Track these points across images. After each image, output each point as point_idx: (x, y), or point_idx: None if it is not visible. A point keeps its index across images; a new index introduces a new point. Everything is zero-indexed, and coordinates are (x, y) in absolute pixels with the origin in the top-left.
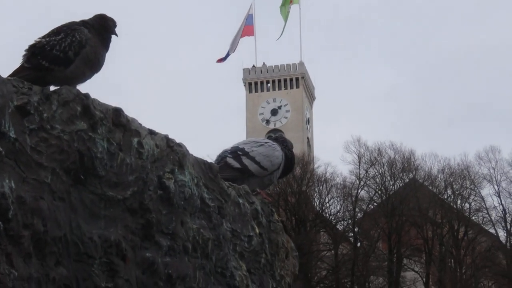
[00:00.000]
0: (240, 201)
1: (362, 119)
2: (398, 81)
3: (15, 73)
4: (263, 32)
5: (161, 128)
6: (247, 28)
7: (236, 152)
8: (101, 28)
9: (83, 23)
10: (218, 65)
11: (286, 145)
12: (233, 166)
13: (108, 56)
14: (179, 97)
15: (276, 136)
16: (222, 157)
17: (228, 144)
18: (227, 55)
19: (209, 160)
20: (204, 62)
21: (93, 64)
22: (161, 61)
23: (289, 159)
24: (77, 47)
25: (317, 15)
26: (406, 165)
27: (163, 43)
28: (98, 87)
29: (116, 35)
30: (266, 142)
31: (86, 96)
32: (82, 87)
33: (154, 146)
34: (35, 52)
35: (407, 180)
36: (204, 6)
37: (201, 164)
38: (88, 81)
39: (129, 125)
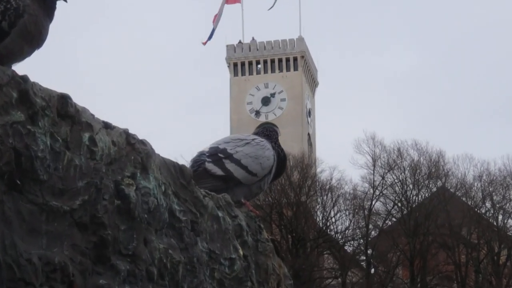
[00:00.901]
0: (220, 214)
1: (377, 111)
2: (422, 64)
3: None
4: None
5: (121, 122)
6: None
7: (216, 154)
8: None
9: None
10: (193, 42)
11: (276, 141)
12: (214, 173)
13: (60, 30)
14: (145, 83)
15: (262, 128)
16: (198, 162)
17: (206, 143)
18: (212, 31)
19: (183, 161)
20: (178, 39)
21: (33, 38)
22: (124, 38)
23: (281, 159)
24: (13, 17)
25: None
26: (433, 170)
27: (127, 16)
28: (43, 68)
29: (65, 0)
30: (253, 139)
31: (24, 78)
32: (21, 68)
33: (110, 144)
34: None
35: (434, 189)
36: None
37: (170, 167)
38: (29, 59)
39: (78, 117)
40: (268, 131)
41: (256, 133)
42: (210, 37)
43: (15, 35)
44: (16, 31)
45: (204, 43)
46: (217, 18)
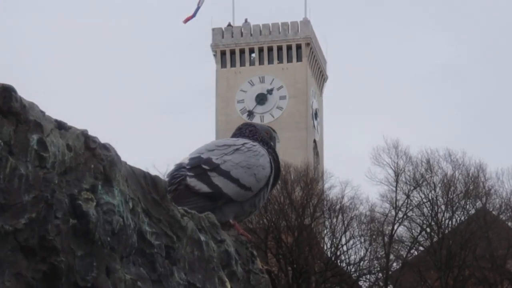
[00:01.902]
0: (202, 238)
1: (401, 114)
2: (459, 57)
3: None
4: None
5: (79, 123)
6: None
7: (199, 166)
8: None
9: None
10: (170, 23)
11: (264, 140)
12: (198, 190)
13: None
14: (108, 76)
15: (246, 127)
16: (178, 179)
17: (186, 151)
18: (197, 8)
19: (156, 172)
20: (150, 18)
21: None
22: (85, 19)
23: (276, 165)
24: None
25: None
26: (471, 188)
27: None
28: None
29: None
30: (243, 144)
31: None
32: None
33: (64, 148)
34: None
35: (472, 211)
36: None
37: (139, 178)
38: None
39: (25, 114)
40: (254, 131)
41: (241, 134)
42: (194, 15)
43: None
44: None
45: (185, 22)
46: None
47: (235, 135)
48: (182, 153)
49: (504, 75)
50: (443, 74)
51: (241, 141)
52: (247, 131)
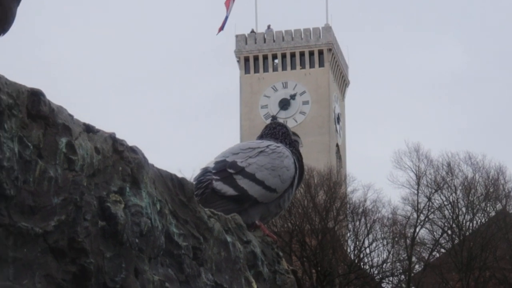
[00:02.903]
0: (229, 239)
1: (422, 118)
2: (479, 63)
3: None
4: None
5: (107, 126)
6: None
7: (225, 170)
8: None
9: None
10: (193, 32)
11: (291, 142)
12: (225, 193)
13: (38, 18)
14: (137, 83)
15: (270, 128)
16: (205, 183)
17: (211, 156)
18: (226, 18)
19: (183, 176)
20: (176, 29)
21: (0, 22)
22: (107, 29)
23: (300, 165)
24: None
25: None
26: (491, 190)
27: (110, 2)
28: (12, 60)
29: None
30: (267, 146)
31: None
32: None
33: (93, 151)
34: None
35: (493, 214)
36: None
37: (167, 180)
38: None
39: (53, 118)
40: (279, 131)
41: (267, 134)
42: (223, 26)
43: None
44: None
45: (217, 33)
46: (230, 2)
47: (265, 134)
48: (207, 158)
49: None
50: (461, 80)
51: (265, 143)
52: (280, 132)
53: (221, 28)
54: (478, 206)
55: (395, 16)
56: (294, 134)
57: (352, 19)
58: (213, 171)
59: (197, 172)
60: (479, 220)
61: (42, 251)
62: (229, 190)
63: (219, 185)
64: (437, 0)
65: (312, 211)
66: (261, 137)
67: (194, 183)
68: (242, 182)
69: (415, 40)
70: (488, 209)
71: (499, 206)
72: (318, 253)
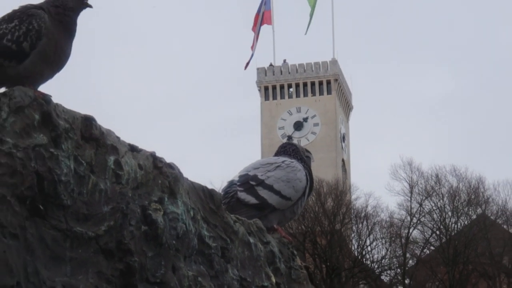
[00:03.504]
0: (251, 240)
1: (415, 136)
2: (460, 88)
3: None
4: (283, 20)
5: (148, 146)
6: (265, 14)
7: (247, 182)
8: (61, 10)
9: (40, 6)
10: (220, 65)
11: (302, 158)
12: (248, 202)
13: (86, 50)
14: (172, 107)
15: (285, 147)
16: (230, 193)
17: (236, 169)
18: (251, 56)
19: (212, 187)
20: (205, 60)
21: (53, 61)
22: (147, 59)
23: (311, 177)
24: (35, 38)
25: (353, 0)
26: (473, 197)
27: (149, 35)
28: (67, 89)
29: (89, 5)
30: (283, 161)
31: (47, 100)
32: (43, 88)
33: (136, 167)
34: None
35: (474, 217)
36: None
37: (199, 191)
38: (51, 81)
39: (103, 139)
40: (296, 150)
41: (283, 152)
42: (249, 62)
43: (35, 56)
44: (35, 53)
45: (245, 68)
46: (255, 41)
47: (279, 152)
48: (233, 171)
49: (497, 103)
50: (448, 102)
51: (281, 159)
52: (291, 149)
53: (248, 64)
54: (461, 211)
55: (391, 49)
56: (307, 151)
57: (354, 54)
58: (238, 184)
59: (225, 184)
60: (463, 222)
61: (94, 252)
62: (251, 199)
63: (243, 195)
64: (427, 34)
65: (322, 215)
66: (276, 154)
67: (222, 193)
68: (262, 192)
69: (408, 70)
70: (470, 213)
71: (479, 210)
72: (327, 251)
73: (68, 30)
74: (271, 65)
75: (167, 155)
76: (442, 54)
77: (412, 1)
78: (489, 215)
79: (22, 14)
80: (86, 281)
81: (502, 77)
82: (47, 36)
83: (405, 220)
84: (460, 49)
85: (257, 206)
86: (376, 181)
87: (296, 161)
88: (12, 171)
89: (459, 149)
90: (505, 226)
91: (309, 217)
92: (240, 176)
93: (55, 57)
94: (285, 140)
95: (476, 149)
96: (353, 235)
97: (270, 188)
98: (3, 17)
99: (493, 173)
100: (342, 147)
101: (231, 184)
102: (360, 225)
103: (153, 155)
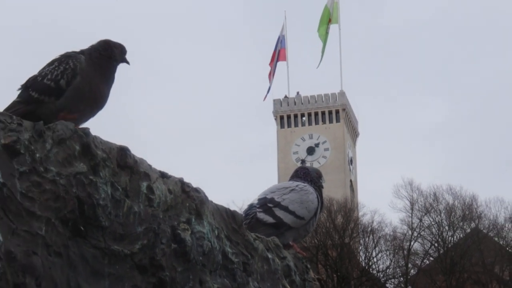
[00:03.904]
0: (269, 256)
1: (415, 158)
2: (452, 114)
3: (6, 110)
4: (295, 57)
5: (175, 171)
6: (281, 52)
7: (265, 204)
8: (104, 56)
9: (82, 51)
10: (241, 96)
11: (313, 179)
12: (266, 221)
13: (118, 88)
14: (197, 135)
15: (299, 172)
16: (251, 215)
17: (256, 189)
18: (269, 89)
19: (234, 207)
20: (227, 93)
21: (89, 98)
22: (174, 93)
23: (321, 199)
24: (70, 76)
25: (358, 38)
26: (467, 213)
27: (176, 71)
28: (103, 123)
29: (127, 62)
30: (296, 185)
31: (86, 132)
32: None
33: (166, 192)
34: (27, 85)
35: (468, 230)
36: (224, 25)
37: (222, 212)
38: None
39: (137, 167)
40: (306, 173)
41: (297, 176)
42: (267, 94)
43: (70, 92)
44: (71, 89)
45: (264, 99)
46: (271, 76)
47: (292, 176)
48: (252, 192)
49: (489, 127)
50: (443, 128)
51: (295, 183)
52: (302, 173)
53: (266, 96)
54: (457, 225)
55: (391, 81)
56: (317, 172)
57: (360, 86)
58: (257, 206)
59: (245, 203)
60: (458, 236)
61: (130, 267)
62: (269, 219)
63: (261, 215)
64: (423, 69)
65: (332, 230)
66: (291, 178)
67: (243, 215)
68: (279, 212)
69: (407, 100)
70: (465, 227)
71: (473, 225)
72: (338, 262)
73: (106, 74)
74: (285, 96)
75: (194, 178)
76: (437, 86)
77: (409, 39)
78: (482, 229)
79: (62, 57)
80: None
81: (490, 105)
82: (81, 74)
83: (407, 234)
84: (452, 82)
85: (274, 225)
86: (381, 199)
87: (308, 184)
88: (56, 197)
89: (454, 170)
90: (496, 239)
91: (321, 232)
92: (259, 199)
93: (90, 94)
94: (299, 164)
95: (470, 169)
96: (360, 247)
97: (285, 209)
98: (49, 62)
99: (485, 191)
100: (350, 169)
101: (251, 206)
102: (367, 239)
103: (181, 181)
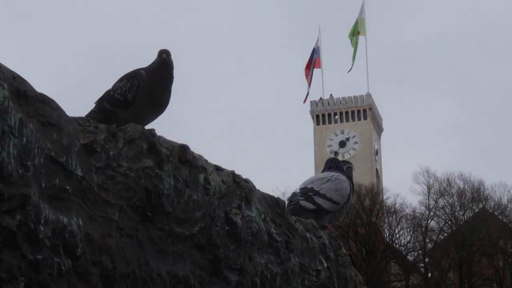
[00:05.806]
0: (308, 235)
1: (431, 150)
2: (464, 112)
3: (85, 116)
4: (328, 63)
5: (227, 164)
6: (316, 60)
7: (306, 193)
8: (159, 65)
9: (144, 68)
10: (284, 99)
11: (342, 168)
12: (308, 208)
13: (174, 94)
14: (245, 133)
15: (332, 163)
16: (294, 202)
17: (296, 178)
18: (308, 93)
19: (277, 192)
20: (270, 96)
21: (153, 106)
22: (226, 96)
23: (352, 186)
24: (135, 91)
25: (382, 47)
26: (475, 195)
27: (226, 78)
28: (163, 124)
29: (164, 59)
30: (332, 176)
31: (152, 133)
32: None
33: (220, 182)
34: (103, 98)
35: (477, 210)
36: (266, 38)
37: (268, 199)
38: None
39: (195, 162)
40: (338, 163)
41: (329, 167)
42: (306, 97)
43: (137, 104)
44: (137, 102)
45: (304, 102)
46: (309, 82)
47: (326, 166)
48: (293, 180)
49: (493, 124)
50: (456, 124)
51: (331, 174)
52: (334, 164)
53: (306, 99)
54: (467, 206)
55: (411, 83)
56: (348, 162)
57: (383, 89)
58: (299, 194)
59: (287, 191)
60: (468, 215)
61: (190, 246)
62: (310, 206)
63: (303, 203)
64: (438, 72)
65: (361, 211)
66: (325, 168)
67: (286, 202)
68: (318, 200)
69: (425, 99)
70: (473, 207)
71: (480, 205)
72: (366, 238)
73: (164, 81)
74: (320, 98)
75: (243, 169)
76: (449, 89)
77: (425, 48)
78: (488, 209)
79: (129, 75)
80: (184, 269)
81: (496, 104)
82: (144, 90)
83: (424, 213)
84: (461, 86)
85: (314, 211)
86: (402, 184)
87: (341, 174)
88: (127, 187)
89: (465, 158)
90: (500, 217)
91: (351, 213)
92: (301, 189)
93: (151, 104)
94: (332, 155)
95: (478, 158)
96: (385, 225)
97: (324, 196)
98: (119, 79)
99: (491, 177)
100: (376, 160)
101: (294, 195)
102: (390, 218)
103: (233, 173)
